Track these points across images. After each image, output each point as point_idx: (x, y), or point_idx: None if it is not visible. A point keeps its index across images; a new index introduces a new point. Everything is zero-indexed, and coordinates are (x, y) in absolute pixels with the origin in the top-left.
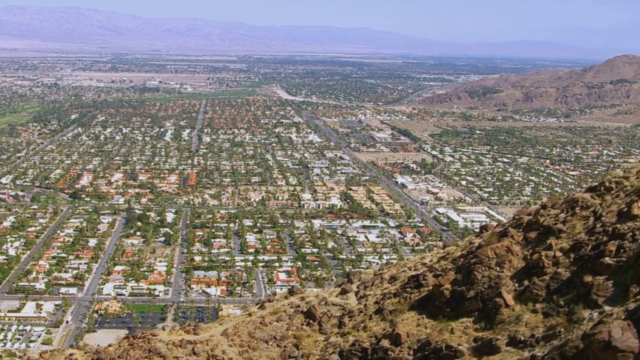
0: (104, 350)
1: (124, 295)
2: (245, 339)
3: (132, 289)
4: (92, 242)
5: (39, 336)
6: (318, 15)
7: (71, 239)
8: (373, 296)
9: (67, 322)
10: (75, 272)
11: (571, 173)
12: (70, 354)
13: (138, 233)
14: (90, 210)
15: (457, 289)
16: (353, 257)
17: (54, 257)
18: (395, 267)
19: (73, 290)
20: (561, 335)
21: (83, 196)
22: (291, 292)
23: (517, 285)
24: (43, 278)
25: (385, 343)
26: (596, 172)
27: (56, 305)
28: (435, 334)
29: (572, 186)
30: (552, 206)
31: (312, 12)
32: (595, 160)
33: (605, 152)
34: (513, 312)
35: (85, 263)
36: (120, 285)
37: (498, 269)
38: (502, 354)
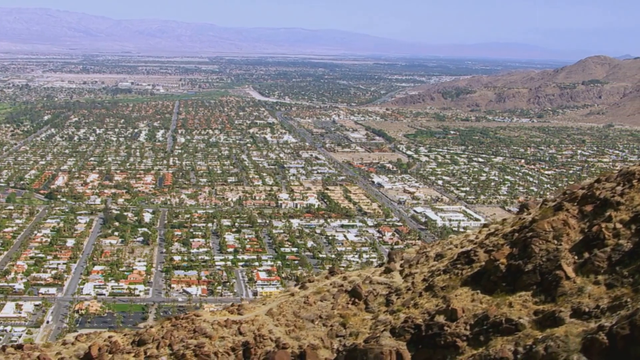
0: (146, 331)
1: (104, 295)
2: (291, 318)
3: (112, 289)
4: (70, 242)
5: (19, 336)
6: (288, 16)
7: (49, 239)
8: (420, 274)
9: (47, 322)
10: (54, 272)
11: (546, 172)
12: (109, 337)
13: (116, 233)
14: (67, 210)
15: (514, 263)
16: (333, 256)
17: (32, 258)
18: (440, 245)
19: (52, 290)
20: (628, 305)
21: (59, 197)
22: (332, 272)
23: (576, 257)
24: (22, 278)
25: (440, 319)
26: (571, 172)
27: (36, 305)
28: (493, 308)
29: (548, 185)
30: (607, 179)
31: (282, 13)
32: (569, 159)
33: (579, 151)
34: (574, 284)
35: (63, 263)
36: (100, 285)
37: (556, 242)
38: (567, 326)
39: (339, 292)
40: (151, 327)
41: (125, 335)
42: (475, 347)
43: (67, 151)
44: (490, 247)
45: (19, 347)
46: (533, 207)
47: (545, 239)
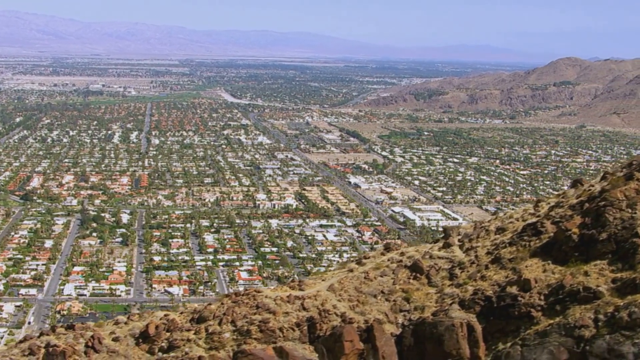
0: (206, 308)
1: (85, 295)
2: (353, 293)
3: (94, 289)
4: (48, 243)
5: (1, 337)
6: (258, 19)
7: (26, 241)
8: (482, 247)
9: (29, 323)
10: (33, 273)
11: (521, 172)
12: (165, 315)
13: (94, 234)
14: (44, 211)
15: (587, 233)
16: (313, 255)
17: (10, 259)
18: (499, 220)
19: (33, 291)
20: None
21: (35, 198)
22: (387, 248)
23: None
24: (1, 279)
25: (513, 290)
26: (546, 172)
27: (17, 306)
28: (569, 278)
29: (524, 185)
30: None
31: (252, 16)
32: (544, 160)
33: (553, 152)
34: None
35: (43, 264)
36: (80, 286)
37: (630, 210)
38: None
39: (398, 268)
40: (210, 304)
41: (181, 313)
42: (552, 316)
43: (40, 153)
44: (557, 218)
45: (70, 327)
46: (586, 182)
47: (619, 207)
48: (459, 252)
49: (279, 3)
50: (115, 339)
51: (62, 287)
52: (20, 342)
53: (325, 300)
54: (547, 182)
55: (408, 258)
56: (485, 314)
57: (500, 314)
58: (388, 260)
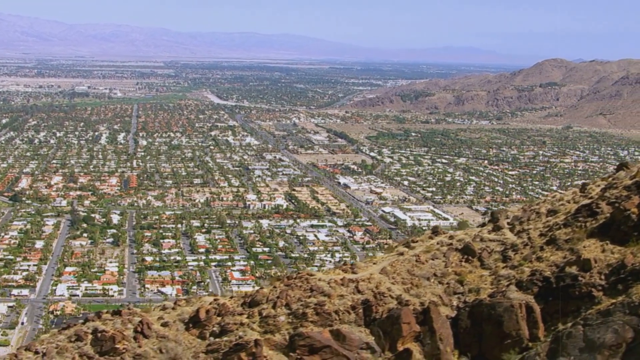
0: (258, 292)
1: (77, 295)
2: (406, 276)
3: (86, 290)
4: (39, 244)
5: None
6: (242, 21)
7: (17, 241)
8: (534, 229)
9: (22, 323)
10: (25, 273)
11: (510, 173)
12: (215, 299)
13: (85, 234)
14: (33, 212)
15: None
16: (305, 255)
17: (1, 260)
18: (549, 202)
19: (25, 291)
20: None
21: (24, 199)
22: (435, 231)
23: None
24: None
25: (572, 270)
26: (535, 172)
27: (9, 306)
28: (630, 257)
29: (513, 185)
30: None
31: (236, 18)
32: (532, 160)
33: (540, 152)
34: None
35: (34, 265)
36: (73, 286)
37: None
38: None
39: (449, 251)
40: (261, 287)
41: (231, 297)
42: (614, 295)
43: (28, 154)
44: (612, 199)
45: (117, 312)
46: (633, 165)
47: None
48: (510, 235)
49: (263, 5)
50: (164, 324)
51: (54, 288)
52: (63, 328)
53: (379, 283)
54: (536, 183)
55: (458, 241)
56: (544, 295)
57: (559, 295)
58: (437, 243)
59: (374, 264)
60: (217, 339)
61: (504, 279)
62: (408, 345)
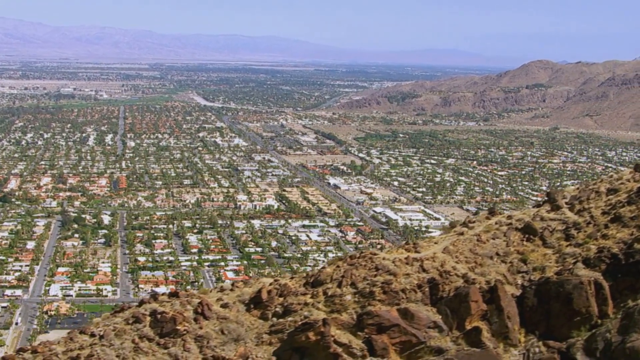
0: (321, 271)
1: (71, 296)
2: (469, 255)
3: (80, 290)
4: (30, 244)
5: None
6: (227, 23)
7: (8, 242)
8: (596, 208)
9: (16, 323)
10: (17, 274)
11: (499, 173)
12: (275, 280)
13: (76, 235)
14: (23, 213)
15: None
16: (299, 255)
17: None
18: (606, 182)
19: (18, 292)
20: None
21: (13, 200)
22: (492, 212)
23: None
24: None
25: None
26: (524, 172)
27: (3, 307)
28: None
29: (503, 185)
30: None
31: (220, 20)
32: (520, 161)
33: (529, 153)
34: None
35: (26, 265)
36: (66, 287)
37: None
38: None
39: (510, 230)
40: (324, 267)
41: (292, 278)
42: None
43: (16, 155)
44: None
45: (174, 294)
46: None
47: None
48: (570, 214)
49: (247, 7)
50: (224, 306)
51: (47, 288)
52: (117, 311)
53: (443, 262)
54: (526, 183)
55: (517, 221)
56: (612, 272)
57: (628, 271)
58: (496, 223)
59: (435, 243)
60: (280, 320)
61: (569, 257)
62: (476, 324)
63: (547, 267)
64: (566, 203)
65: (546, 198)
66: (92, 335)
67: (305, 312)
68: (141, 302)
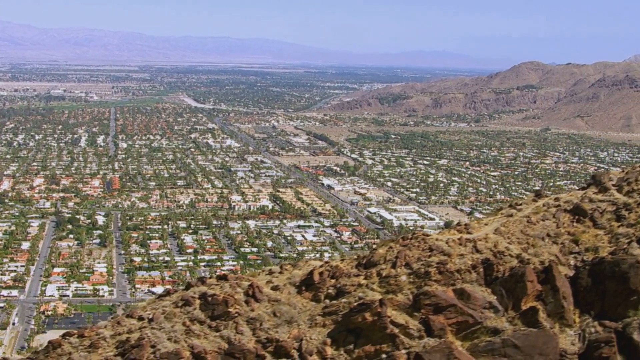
0: (374, 253)
1: (68, 296)
2: (521, 236)
3: (76, 290)
4: (25, 245)
5: None
6: (216, 25)
7: (2, 243)
8: None
9: (13, 324)
10: (13, 274)
11: (492, 174)
12: (326, 262)
13: (71, 236)
14: (17, 214)
15: None
16: (295, 255)
17: None
18: None
19: (14, 292)
20: None
21: (6, 200)
22: (538, 194)
23: None
24: None
25: None
26: (516, 173)
27: None
28: None
29: (496, 186)
30: None
31: (209, 22)
32: (512, 161)
33: (521, 154)
34: None
35: (21, 266)
36: (63, 287)
37: None
38: None
39: (559, 212)
40: (375, 249)
41: (343, 260)
42: None
43: (8, 156)
44: None
45: (222, 277)
46: None
47: None
48: (619, 195)
49: (236, 10)
50: (275, 288)
51: (44, 288)
52: (163, 295)
53: (496, 243)
54: (519, 183)
55: (565, 203)
56: None
57: None
58: (543, 205)
59: (485, 224)
60: (333, 301)
61: (622, 237)
62: (531, 304)
63: (599, 248)
64: (613, 185)
65: (591, 181)
66: (140, 318)
67: (360, 293)
68: (188, 286)
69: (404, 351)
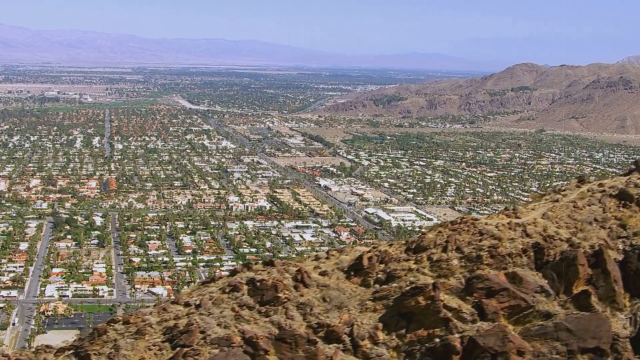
0: (423, 237)
1: (67, 296)
2: (569, 221)
3: (76, 290)
4: (23, 245)
5: None
6: (209, 27)
7: (0, 243)
8: None
9: (13, 324)
10: (12, 275)
11: (489, 174)
12: (374, 247)
13: (69, 236)
14: (14, 215)
15: None
16: (294, 255)
17: None
18: None
19: (14, 293)
20: None
21: (3, 201)
22: (581, 180)
23: None
24: None
25: None
26: (513, 174)
27: None
28: None
29: (493, 187)
30: None
31: (203, 24)
32: (508, 162)
33: (517, 155)
34: None
35: (20, 266)
36: (62, 287)
37: None
38: None
39: (604, 197)
40: (424, 234)
41: (390, 245)
42: None
43: (4, 157)
44: None
45: (269, 263)
46: None
47: None
48: None
49: (229, 12)
50: (323, 273)
51: (43, 289)
52: (207, 282)
53: (545, 227)
54: (516, 184)
55: (610, 188)
56: None
57: None
58: (588, 191)
59: (532, 209)
60: (384, 286)
61: None
62: (582, 288)
63: None
64: None
65: (634, 167)
66: (187, 305)
67: (411, 277)
68: (234, 272)
69: (457, 335)
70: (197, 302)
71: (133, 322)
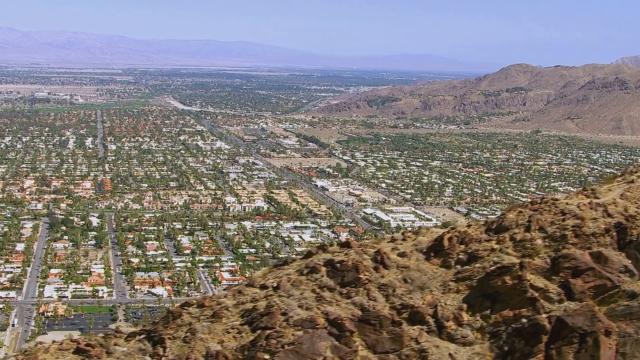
0: (503, 218)
1: (66, 297)
2: None
3: (75, 291)
4: (20, 246)
5: None
6: (199, 28)
7: None
8: None
9: (13, 325)
10: (9, 276)
11: (486, 175)
12: (452, 227)
13: (65, 237)
14: (9, 215)
15: None
16: (293, 255)
17: None
18: None
19: (12, 293)
20: None
21: None
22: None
23: None
24: None
25: None
26: (510, 174)
27: None
28: None
29: (491, 187)
30: None
31: (193, 25)
32: (505, 163)
33: (513, 155)
34: None
35: (17, 267)
36: (61, 288)
37: None
38: None
39: None
40: (505, 214)
41: (469, 226)
42: None
43: None
44: None
45: (345, 244)
46: None
47: None
48: None
49: (219, 13)
50: (402, 255)
51: (42, 290)
52: (279, 265)
53: (626, 207)
54: (514, 184)
55: None
56: None
57: None
58: None
59: (609, 190)
60: (466, 266)
61: None
62: None
63: None
64: None
65: None
66: (264, 287)
67: (494, 257)
68: (309, 254)
69: (544, 315)
70: (275, 285)
71: (208, 305)
